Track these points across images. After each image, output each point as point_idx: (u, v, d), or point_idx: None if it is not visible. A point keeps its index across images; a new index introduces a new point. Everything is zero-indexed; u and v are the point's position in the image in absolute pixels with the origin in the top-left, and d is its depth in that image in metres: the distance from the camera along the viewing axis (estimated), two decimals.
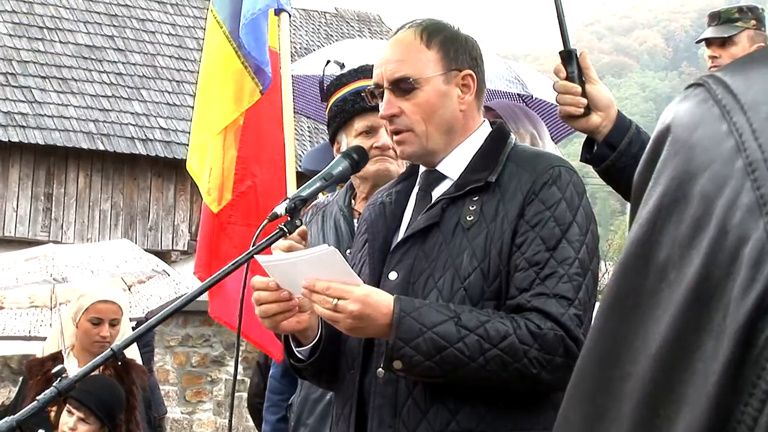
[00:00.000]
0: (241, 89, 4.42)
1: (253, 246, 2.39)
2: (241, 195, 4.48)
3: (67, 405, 4.41)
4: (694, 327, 0.64)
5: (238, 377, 2.56)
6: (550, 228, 2.30)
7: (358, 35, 20.71)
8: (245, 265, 2.44)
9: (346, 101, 3.36)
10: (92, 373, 2.62)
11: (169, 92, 16.67)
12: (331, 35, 20.33)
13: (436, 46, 2.44)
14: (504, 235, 2.31)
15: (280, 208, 2.45)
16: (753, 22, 4.91)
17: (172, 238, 16.21)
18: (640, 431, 0.66)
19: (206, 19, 4.78)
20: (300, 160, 5.86)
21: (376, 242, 2.49)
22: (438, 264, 2.34)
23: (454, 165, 2.46)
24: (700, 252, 0.65)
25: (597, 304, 2.31)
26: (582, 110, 2.66)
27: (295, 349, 2.49)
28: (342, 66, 3.64)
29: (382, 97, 2.47)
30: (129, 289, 6.68)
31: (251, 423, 5.60)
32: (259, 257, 2.34)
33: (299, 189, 2.51)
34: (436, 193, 2.47)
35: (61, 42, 16.59)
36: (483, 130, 2.51)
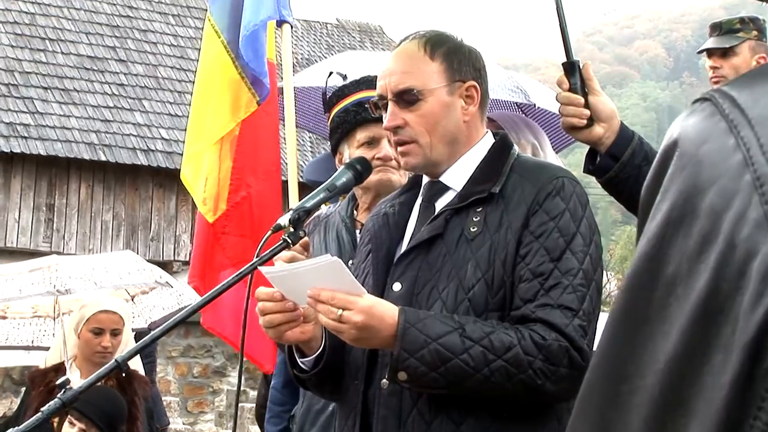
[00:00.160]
0: (238, 99, 4.43)
1: (256, 257, 2.39)
2: (235, 205, 4.48)
3: (69, 416, 4.41)
4: (703, 341, 0.64)
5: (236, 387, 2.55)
6: (554, 239, 2.30)
7: (360, 46, 20.75)
8: (248, 276, 2.44)
9: (348, 112, 3.36)
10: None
11: (170, 103, 16.70)
12: (333, 46, 20.37)
13: (440, 58, 2.45)
14: (508, 246, 2.31)
15: (284, 219, 2.45)
16: (754, 32, 4.91)
17: (174, 248, 16.22)
18: None
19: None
20: (302, 171, 5.86)
21: (380, 253, 2.49)
22: (442, 275, 2.34)
23: (457, 176, 2.47)
24: (709, 266, 0.65)
25: (601, 315, 2.31)
26: (585, 121, 2.67)
27: (298, 360, 2.49)
28: (345, 77, 3.65)
29: (386, 109, 2.47)
30: (132, 300, 6.68)
31: None
32: (262, 268, 2.35)
33: (303, 200, 2.51)
34: (440, 204, 2.47)
35: (63, 53, 16.62)
36: (486, 141, 2.52)
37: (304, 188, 3.75)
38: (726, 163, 0.67)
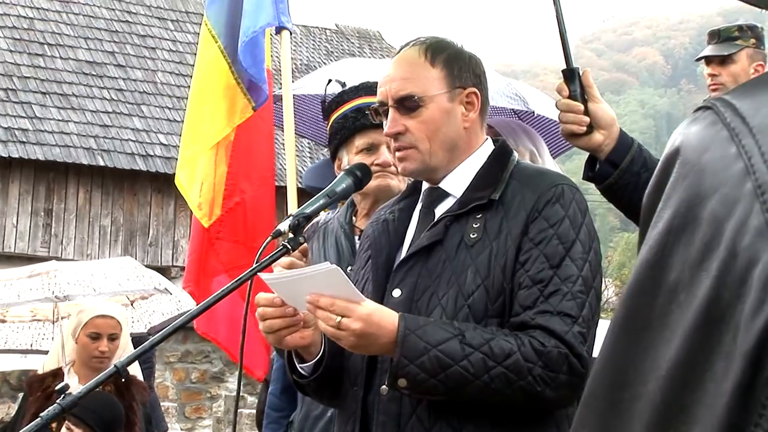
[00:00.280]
0: (234, 105, 4.44)
1: (256, 263, 2.39)
2: (229, 211, 4.49)
3: (67, 421, 4.40)
4: (705, 348, 0.65)
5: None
6: (554, 246, 2.30)
7: (359, 52, 20.75)
8: (248, 281, 2.44)
9: (346, 118, 3.36)
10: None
11: (169, 108, 16.70)
12: (332, 52, 20.37)
13: (441, 64, 2.45)
14: (507, 253, 2.32)
15: (284, 225, 2.45)
16: (752, 40, 4.93)
17: (172, 254, 16.21)
18: None
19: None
20: (300, 177, 5.87)
21: (380, 259, 2.50)
22: (442, 281, 2.34)
23: (457, 182, 2.47)
24: (710, 274, 0.66)
25: (600, 322, 2.32)
26: (584, 128, 2.67)
27: (298, 365, 2.49)
28: (343, 85, 3.65)
29: (386, 115, 2.47)
30: (132, 305, 6.68)
31: None
32: (262, 274, 2.35)
33: (303, 206, 2.51)
34: (439, 210, 2.48)
35: (61, 58, 16.62)
36: (486, 148, 2.52)
37: (303, 194, 3.76)
38: (728, 171, 0.67)
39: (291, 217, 2.48)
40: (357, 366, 2.43)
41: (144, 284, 6.27)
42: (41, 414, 2.13)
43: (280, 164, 14.49)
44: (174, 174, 4.67)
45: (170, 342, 11.76)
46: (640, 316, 0.70)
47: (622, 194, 2.68)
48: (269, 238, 2.48)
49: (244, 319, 2.51)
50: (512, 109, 5.23)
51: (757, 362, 0.62)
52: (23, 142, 15.00)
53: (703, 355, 0.65)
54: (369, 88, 3.34)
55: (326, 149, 3.63)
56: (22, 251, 15.04)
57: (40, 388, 4.92)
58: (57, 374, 4.97)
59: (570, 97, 2.70)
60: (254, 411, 9.08)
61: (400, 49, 2.53)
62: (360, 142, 3.30)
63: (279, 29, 4.36)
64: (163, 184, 15.59)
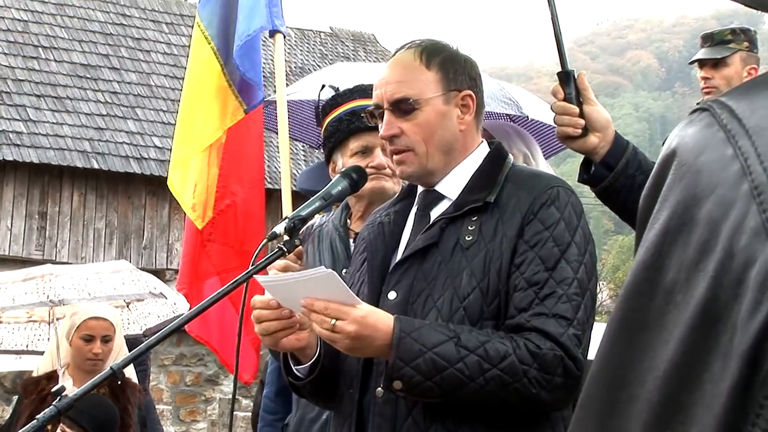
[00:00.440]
0: (225, 107, 4.44)
1: (252, 265, 2.39)
2: (221, 213, 4.48)
3: (61, 424, 4.40)
4: (702, 348, 0.65)
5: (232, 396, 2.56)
6: (549, 248, 2.31)
7: (353, 54, 20.76)
8: (243, 283, 2.44)
9: (341, 121, 3.36)
10: None
11: (164, 111, 16.69)
12: (326, 55, 20.38)
13: (436, 67, 2.46)
14: (503, 255, 2.32)
15: (280, 228, 2.45)
16: (745, 43, 4.94)
17: (167, 256, 16.20)
18: None
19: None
20: (295, 180, 5.87)
21: (375, 262, 2.50)
22: (437, 284, 2.34)
23: (452, 185, 2.47)
24: (707, 275, 0.66)
25: (596, 324, 2.32)
26: (580, 131, 2.68)
27: (293, 368, 2.49)
28: (336, 90, 3.65)
29: (381, 118, 2.48)
30: (127, 306, 6.67)
31: None
32: (258, 277, 2.35)
33: (299, 209, 2.51)
34: (435, 213, 2.48)
35: (56, 60, 16.61)
36: (481, 150, 2.52)
37: (297, 197, 3.76)
38: (724, 172, 0.68)
39: (287, 220, 2.48)
40: (353, 368, 2.43)
41: (139, 288, 6.26)
42: (37, 416, 2.13)
43: (275, 167, 14.49)
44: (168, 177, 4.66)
45: (164, 345, 11.75)
46: (638, 317, 0.71)
47: (617, 197, 2.68)
48: (265, 240, 2.48)
49: (240, 322, 2.51)
50: (507, 114, 5.23)
51: (754, 362, 0.62)
52: (17, 145, 14.99)
53: (701, 356, 0.65)
54: (363, 91, 3.34)
55: (317, 150, 3.63)
56: (17, 254, 15.02)
57: (35, 390, 4.91)
58: (52, 377, 4.96)
59: (565, 99, 2.70)
60: (249, 414, 9.07)
61: (396, 52, 2.54)
62: (354, 144, 3.29)
63: (272, 32, 4.36)
64: (157, 187, 15.58)
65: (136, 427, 4.82)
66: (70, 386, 4.63)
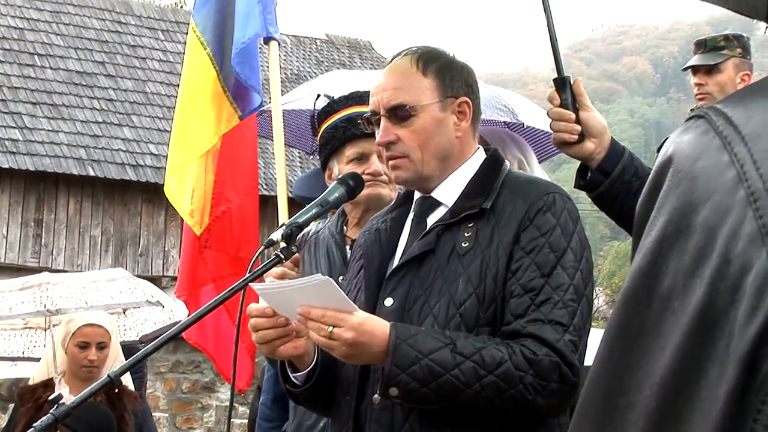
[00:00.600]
0: (220, 113, 4.44)
1: (249, 272, 2.39)
2: (216, 219, 4.49)
3: (58, 431, 4.39)
4: (699, 354, 0.65)
5: (228, 403, 2.56)
6: (545, 254, 2.31)
7: (349, 61, 20.77)
8: (240, 291, 2.44)
9: (337, 128, 3.36)
10: None
11: (159, 118, 16.69)
12: (322, 61, 20.38)
13: (433, 74, 2.46)
14: (499, 262, 2.32)
15: (277, 235, 2.46)
16: (739, 50, 4.95)
17: (163, 264, 16.19)
18: None
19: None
20: (291, 187, 5.87)
21: (372, 268, 2.50)
22: (433, 290, 2.35)
23: (449, 191, 2.48)
24: (704, 281, 0.66)
25: (592, 330, 2.32)
26: (576, 137, 2.68)
27: (291, 375, 2.49)
28: (332, 99, 3.66)
29: (378, 124, 2.48)
30: (124, 313, 6.66)
31: None
32: (254, 285, 2.35)
33: (295, 216, 2.51)
34: (431, 219, 2.48)
35: (51, 68, 16.61)
36: (478, 157, 2.53)
37: (293, 204, 3.76)
38: (720, 179, 0.68)
39: (283, 227, 2.48)
40: (350, 375, 2.43)
41: (137, 296, 6.25)
42: (34, 425, 2.13)
43: (271, 174, 14.48)
44: (164, 184, 4.66)
45: (161, 352, 11.72)
46: (634, 324, 0.71)
47: (613, 203, 2.68)
48: (262, 247, 2.48)
49: (237, 329, 2.51)
50: (503, 122, 5.23)
51: (752, 367, 0.62)
52: (13, 153, 14.97)
53: (698, 362, 0.65)
54: (359, 98, 3.35)
55: (312, 156, 3.63)
56: (12, 262, 15.01)
57: (31, 398, 4.90)
58: (48, 385, 4.96)
59: (561, 105, 2.71)
60: (245, 421, 9.06)
61: (392, 59, 2.54)
62: (351, 151, 3.30)
63: (267, 39, 4.36)
64: (153, 194, 15.57)
65: None
66: (66, 394, 4.62)
